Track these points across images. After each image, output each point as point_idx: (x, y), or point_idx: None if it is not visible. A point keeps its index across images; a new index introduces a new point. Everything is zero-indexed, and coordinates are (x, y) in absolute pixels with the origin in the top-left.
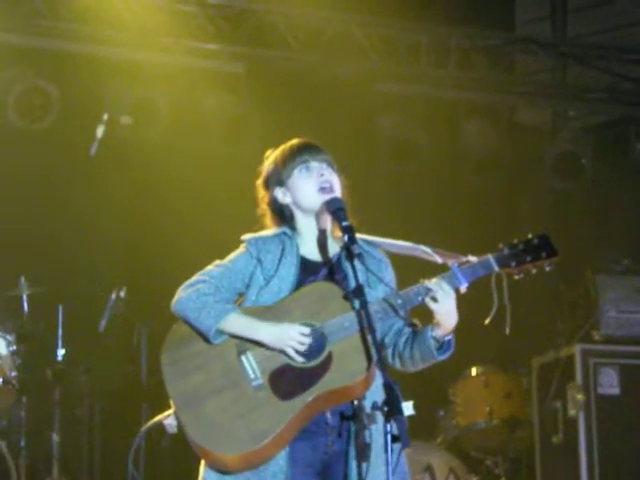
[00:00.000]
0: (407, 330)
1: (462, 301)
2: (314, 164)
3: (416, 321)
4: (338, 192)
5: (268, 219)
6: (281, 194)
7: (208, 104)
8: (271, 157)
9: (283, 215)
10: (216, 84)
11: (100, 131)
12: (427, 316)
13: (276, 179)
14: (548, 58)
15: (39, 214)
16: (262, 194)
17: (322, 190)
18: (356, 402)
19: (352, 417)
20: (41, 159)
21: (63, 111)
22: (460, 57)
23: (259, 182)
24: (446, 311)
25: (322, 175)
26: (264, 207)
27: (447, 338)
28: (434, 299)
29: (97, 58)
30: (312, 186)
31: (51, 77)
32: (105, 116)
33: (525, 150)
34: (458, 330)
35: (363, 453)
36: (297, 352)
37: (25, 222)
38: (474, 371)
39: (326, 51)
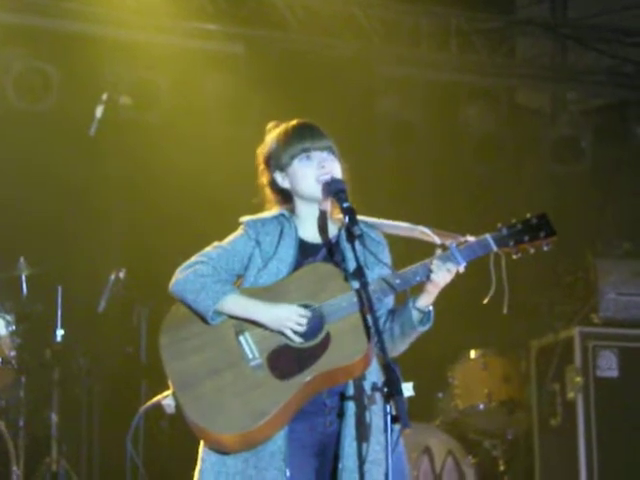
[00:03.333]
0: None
1: (461, 284)
2: (315, 153)
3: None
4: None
5: (267, 193)
6: (280, 179)
7: (208, 84)
8: (274, 133)
9: (282, 195)
10: (216, 65)
11: (99, 111)
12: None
13: (275, 162)
14: (548, 41)
15: (38, 194)
16: (262, 167)
17: (321, 181)
18: (356, 382)
19: (352, 398)
20: (41, 139)
21: (63, 92)
22: (460, 40)
23: (260, 153)
24: (438, 284)
25: (323, 167)
26: (264, 181)
27: (428, 309)
28: (433, 272)
29: (97, 38)
30: (312, 177)
31: (51, 57)
32: (104, 96)
33: (525, 133)
34: (458, 313)
35: (363, 433)
36: (295, 332)
37: (24, 203)
38: (473, 354)
39: (326, 32)
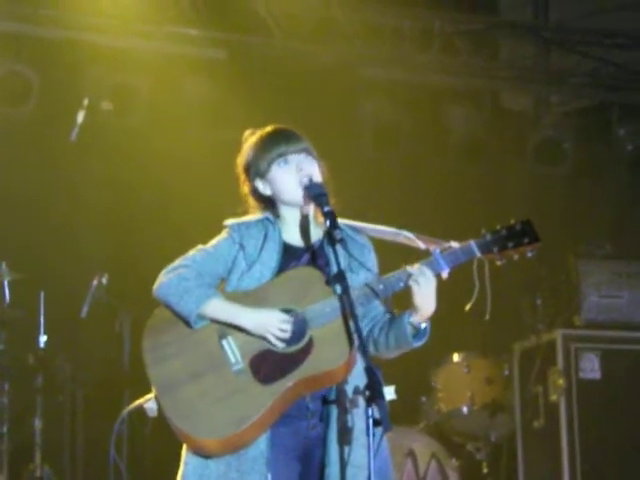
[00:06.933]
0: (384, 317)
1: (444, 288)
2: (292, 157)
3: (395, 310)
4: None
5: (251, 201)
6: (261, 186)
7: (189, 90)
8: (250, 142)
9: (265, 202)
10: (197, 70)
11: (80, 116)
12: (407, 304)
13: (255, 170)
14: (531, 43)
15: (19, 200)
16: (243, 177)
17: (302, 184)
18: (338, 386)
19: (334, 401)
20: (21, 145)
21: (43, 97)
22: (443, 42)
23: (239, 163)
24: (426, 296)
25: (301, 169)
26: (246, 190)
27: (423, 325)
28: (415, 282)
29: (77, 44)
30: (292, 181)
31: (31, 63)
32: (85, 101)
33: (508, 135)
34: (440, 316)
35: (345, 437)
36: (277, 338)
37: (5, 208)
38: (456, 357)
39: (308, 36)
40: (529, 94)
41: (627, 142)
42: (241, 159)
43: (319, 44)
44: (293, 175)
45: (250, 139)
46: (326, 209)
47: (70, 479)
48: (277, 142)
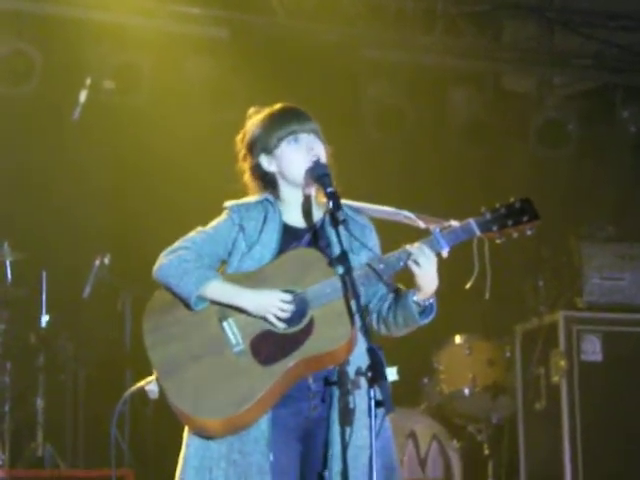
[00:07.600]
0: (390, 295)
1: (445, 269)
2: (303, 135)
3: (400, 286)
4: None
5: (249, 180)
6: (266, 162)
7: (192, 69)
8: (256, 119)
9: (265, 180)
10: (200, 49)
11: (83, 95)
12: (409, 282)
13: (262, 146)
14: (534, 24)
15: (22, 179)
16: (244, 153)
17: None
18: (340, 367)
19: (336, 382)
20: (23, 123)
21: (46, 75)
22: (446, 23)
23: (240, 140)
24: (427, 275)
25: (312, 149)
26: (246, 167)
27: (429, 302)
28: (416, 263)
29: (81, 22)
30: (301, 160)
31: (34, 41)
32: (88, 80)
33: (510, 117)
34: (442, 298)
35: (346, 418)
36: (278, 318)
37: (8, 188)
38: (458, 339)
39: (311, 17)
40: (532, 76)
41: (630, 124)
42: (244, 135)
43: (322, 23)
44: (303, 154)
45: (255, 116)
46: (329, 190)
47: (72, 458)
48: (289, 119)
